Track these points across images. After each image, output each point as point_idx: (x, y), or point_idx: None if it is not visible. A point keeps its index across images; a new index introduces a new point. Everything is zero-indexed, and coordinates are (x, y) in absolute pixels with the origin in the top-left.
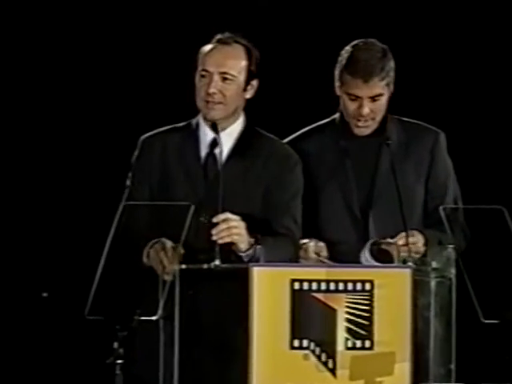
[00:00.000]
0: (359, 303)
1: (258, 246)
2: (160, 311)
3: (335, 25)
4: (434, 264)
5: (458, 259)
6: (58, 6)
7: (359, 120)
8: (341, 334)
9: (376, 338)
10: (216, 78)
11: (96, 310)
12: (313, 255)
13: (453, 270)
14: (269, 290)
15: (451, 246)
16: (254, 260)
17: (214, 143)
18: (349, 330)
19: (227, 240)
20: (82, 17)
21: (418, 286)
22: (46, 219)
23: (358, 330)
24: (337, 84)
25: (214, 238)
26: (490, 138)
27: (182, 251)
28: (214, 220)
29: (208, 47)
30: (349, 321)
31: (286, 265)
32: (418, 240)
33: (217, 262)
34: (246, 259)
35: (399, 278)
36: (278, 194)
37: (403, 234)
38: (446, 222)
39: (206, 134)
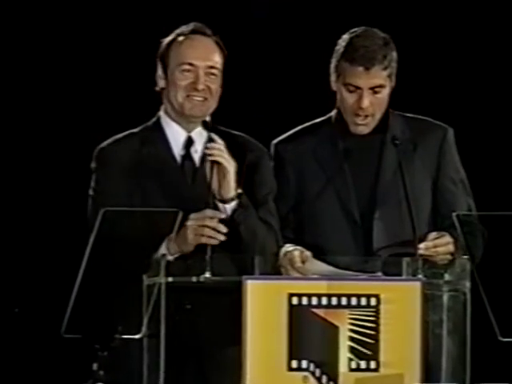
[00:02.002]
0: (364, 320)
1: (240, 209)
2: (144, 329)
3: (333, 30)
4: (447, 276)
5: (473, 271)
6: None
7: (358, 115)
8: (343, 354)
9: (382, 358)
10: (202, 72)
11: (73, 328)
12: (299, 265)
13: (467, 283)
14: (264, 305)
15: (465, 256)
16: (233, 223)
17: (189, 142)
18: (352, 350)
19: (218, 158)
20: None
21: (429, 301)
22: (17, 230)
23: (363, 350)
24: (333, 77)
25: (206, 151)
26: (503, 134)
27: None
28: (208, 145)
29: (179, 38)
30: (352, 339)
31: (284, 278)
32: (448, 240)
33: (207, 275)
34: (226, 213)
35: (408, 291)
36: (252, 190)
37: (433, 234)
38: (459, 229)
39: (177, 134)
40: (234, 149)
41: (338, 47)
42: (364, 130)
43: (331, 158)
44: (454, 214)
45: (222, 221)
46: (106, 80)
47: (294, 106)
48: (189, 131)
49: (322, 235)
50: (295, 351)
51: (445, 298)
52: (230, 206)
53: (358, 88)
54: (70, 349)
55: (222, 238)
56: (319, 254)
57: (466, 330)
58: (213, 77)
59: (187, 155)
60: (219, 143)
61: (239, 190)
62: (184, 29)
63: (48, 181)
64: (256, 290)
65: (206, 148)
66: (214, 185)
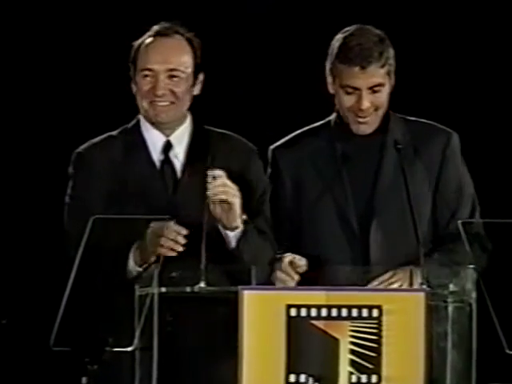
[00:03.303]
0: (365, 332)
1: (244, 238)
2: (136, 341)
3: (330, 30)
4: (452, 287)
5: (479, 281)
6: None
7: (359, 116)
8: (344, 368)
9: (384, 372)
10: (162, 76)
11: (62, 340)
12: (292, 273)
13: (473, 294)
14: (261, 316)
15: (471, 265)
16: (237, 251)
17: (168, 147)
18: (353, 363)
19: (223, 197)
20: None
21: (433, 312)
22: (3, 239)
23: (364, 363)
24: (329, 80)
25: (209, 193)
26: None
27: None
28: (209, 173)
29: (146, 41)
30: (353, 352)
31: (281, 288)
32: (400, 277)
33: (202, 285)
34: (229, 242)
35: (411, 302)
36: (246, 194)
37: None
38: (464, 237)
39: (156, 138)
40: (221, 149)
41: (331, 48)
42: (366, 130)
43: (329, 164)
44: (459, 222)
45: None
46: (84, 81)
47: (289, 105)
48: (167, 135)
49: (319, 245)
50: (293, 365)
51: (450, 309)
52: (234, 234)
53: (356, 89)
54: (59, 362)
55: (181, 249)
56: (316, 264)
57: (471, 342)
58: (176, 79)
59: (166, 160)
60: (220, 176)
61: (244, 217)
62: (152, 30)
63: (32, 189)
64: (253, 301)
65: (207, 183)
66: (219, 216)
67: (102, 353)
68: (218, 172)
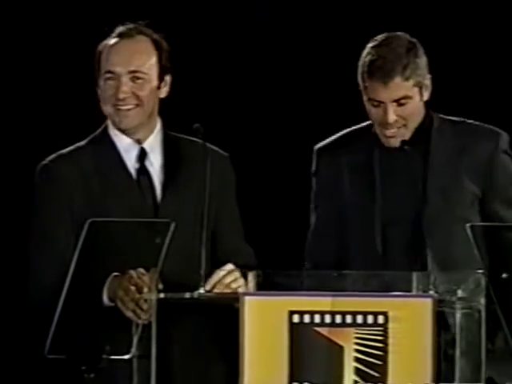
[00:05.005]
0: (370, 339)
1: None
2: (133, 349)
3: (341, 38)
4: (460, 292)
5: (488, 286)
6: None
7: (386, 128)
8: (348, 376)
9: (390, 380)
10: (125, 79)
11: (58, 348)
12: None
13: (482, 300)
14: (263, 323)
15: (480, 270)
16: None
17: (143, 154)
18: (358, 371)
19: (241, 290)
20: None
21: (441, 319)
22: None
23: (369, 372)
24: (361, 90)
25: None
26: None
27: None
28: (221, 273)
29: (108, 43)
30: (358, 360)
31: (284, 294)
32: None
33: (201, 291)
34: None
35: (418, 309)
36: (226, 208)
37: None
38: (473, 241)
39: (128, 146)
40: (195, 156)
41: (360, 60)
42: (395, 143)
43: (366, 172)
44: (467, 225)
45: None
46: (48, 87)
47: (299, 109)
48: (140, 142)
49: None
50: (296, 373)
51: (458, 315)
52: None
53: (381, 102)
54: (54, 371)
55: (143, 321)
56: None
57: (480, 350)
58: (140, 81)
59: (142, 168)
60: (236, 276)
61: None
62: (115, 32)
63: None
64: (254, 307)
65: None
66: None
67: (99, 361)
68: (230, 266)
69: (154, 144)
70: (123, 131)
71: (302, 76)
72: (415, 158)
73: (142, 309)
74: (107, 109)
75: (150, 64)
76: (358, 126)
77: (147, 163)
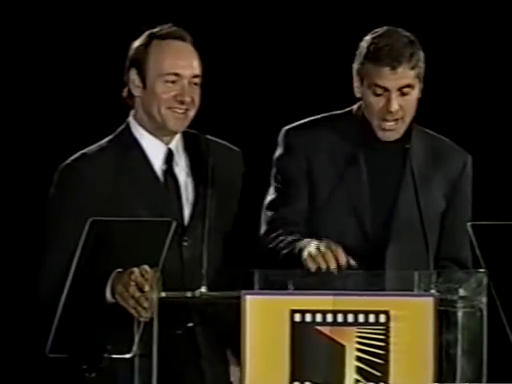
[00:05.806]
0: (372, 338)
1: None
2: (135, 348)
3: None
4: (462, 291)
5: (489, 285)
6: None
7: (386, 120)
8: (350, 376)
9: (392, 379)
10: (187, 82)
11: (59, 347)
12: None
13: (484, 299)
14: (264, 322)
15: (482, 270)
16: None
17: (170, 156)
18: (359, 371)
19: None
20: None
21: (443, 318)
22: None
23: (371, 371)
24: (356, 82)
25: None
26: None
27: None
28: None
29: (158, 42)
30: (360, 359)
31: (285, 293)
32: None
33: (203, 290)
34: None
35: (420, 308)
36: (235, 196)
37: None
38: (474, 241)
39: (156, 147)
40: (215, 154)
41: (359, 50)
42: (393, 136)
43: (347, 156)
44: (468, 224)
45: None
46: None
47: (300, 109)
48: (167, 143)
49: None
50: (298, 372)
51: (459, 314)
52: None
53: (385, 90)
54: (55, 370)
55: (144, 319)
56: None
57: (482, 349)
58: (195, 86)
59: (169, 169)
60: None
61: None
62: (159, 31)
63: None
64: (256, 306)
65: None
66: None
67: (101, 360)
68: None
69: (178, 144)
70: (152, 132)
71: (302, 76)
72: (397, 157)
73: (142, 306)
74: (161, 110)
75: (200, 68)
76: (335, 112)
77: (173, 163)
